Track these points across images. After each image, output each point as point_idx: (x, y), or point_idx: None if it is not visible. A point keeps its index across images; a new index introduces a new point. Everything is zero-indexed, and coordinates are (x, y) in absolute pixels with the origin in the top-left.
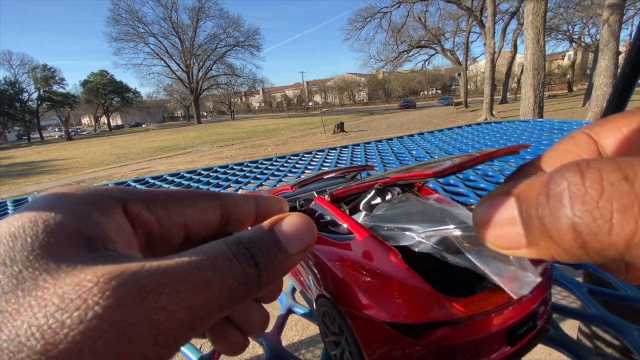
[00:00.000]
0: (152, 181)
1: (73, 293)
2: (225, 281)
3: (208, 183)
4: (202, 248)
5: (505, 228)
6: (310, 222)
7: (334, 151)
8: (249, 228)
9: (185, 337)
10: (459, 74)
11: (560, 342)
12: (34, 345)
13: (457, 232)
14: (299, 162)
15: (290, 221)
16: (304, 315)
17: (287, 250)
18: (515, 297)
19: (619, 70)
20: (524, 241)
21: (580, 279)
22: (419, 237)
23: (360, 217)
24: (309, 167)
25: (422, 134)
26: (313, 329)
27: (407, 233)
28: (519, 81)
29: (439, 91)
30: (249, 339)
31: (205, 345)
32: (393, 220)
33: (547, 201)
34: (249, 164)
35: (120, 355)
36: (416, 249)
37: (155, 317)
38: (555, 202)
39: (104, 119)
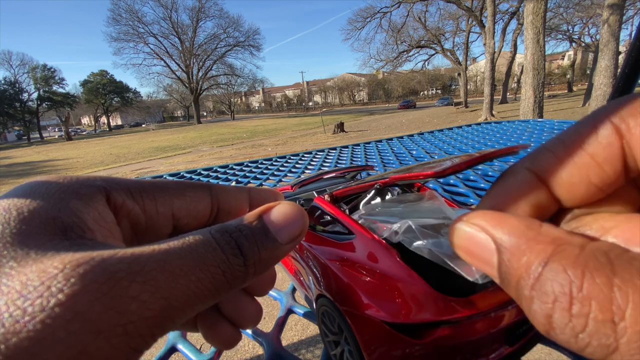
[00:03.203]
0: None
1: (37, 280)
2: (207, 270)
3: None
4: (184, 236)
5: (482, 265)
6: (301, 211)
7: (334, 151)
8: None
9: (162, 327)
10: (459, 74)
11: None
12: None
13: (422, 222)
14: (299, 162)
15: (281, 209)
16: (304, 315)
17: (275, 239)
18: (471, 279)
19: (619, 70)
20: (496, 277)
21: None
22: (395, 228)
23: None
24: (309, 167)
25: (422, 134)
26: (313, 329)
27: (388, 225)
28: (519, 81)
29: (439, 91)
30: (250, 339)
31: (206, 346)
32: (377, 215)
33: (530, 290)
34: (249, 164)
35: (84, 345)
36: (393, 240)
37: (125, 306)
38: (540, 298)
39: (103, 119)
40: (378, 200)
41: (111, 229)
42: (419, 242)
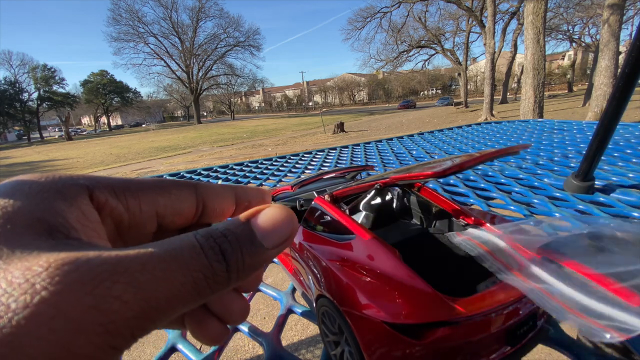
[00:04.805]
0: None
1: (21, 277)
2: (189, 275)
3: None
4: (169, 240)
5: None
6: (290, 214)
7: (334, 151)
8: (229, 219)
9: (142, 328)
10: (459, 74)
11: (560, 342)
12: None
13: None
14: (299, 162)
15: (269, 213)
16: (304, 315)
17: (261, 245)
18: None
19: (619, 70)
20: None
21: None
22: None
23: (360, 217)
24: (309, 167)
25: (422, 134)
26: (313, 329)
27: None
28: (519, 81)
29: (439, 91)
30: (250, 339)
31: (205, 345)
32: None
33: None
34: (249, 164)
35: (66, 342)
36: None
37: (107, 305)
38: None
39: (104, 119)
40: (378, 200)
41: (95, 228)
42: None
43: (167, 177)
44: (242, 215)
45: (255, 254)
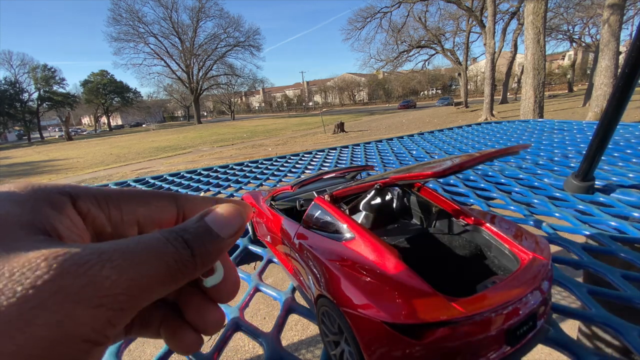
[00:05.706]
0: (152, 181)
1: (24, 267)
2: (162, 260)
3: (208, 183)
4: (138, 237)
5: None
6: (239, 209)
7: (334, 151)
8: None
9: (130, 303)
10: (459, 74)
11: (560, 342)
12: None
13: None
14: (299, 162)
15: (220, 210)
16: (304, 315)
17: (218, 235)
18: None
19: (619, 70)
20: None
21: (580, 279)
22: None
23: (360, 217)
24: (309, 167)
25: (422, 134)
26: (313, 329)
27: None
28: (519, 81)
29: (439, 91)
30: (250, 339)
31: (205, 347)
32: None
33: None
34: (249, 164)
35: (68, 311)
36: None
37: (99, 283)
38: None
39: (104, 119)
40: (378, 200)
41: (81, 235)
42: None
43: (168, 177)
44: (198, 214)
45: (214, 242)
